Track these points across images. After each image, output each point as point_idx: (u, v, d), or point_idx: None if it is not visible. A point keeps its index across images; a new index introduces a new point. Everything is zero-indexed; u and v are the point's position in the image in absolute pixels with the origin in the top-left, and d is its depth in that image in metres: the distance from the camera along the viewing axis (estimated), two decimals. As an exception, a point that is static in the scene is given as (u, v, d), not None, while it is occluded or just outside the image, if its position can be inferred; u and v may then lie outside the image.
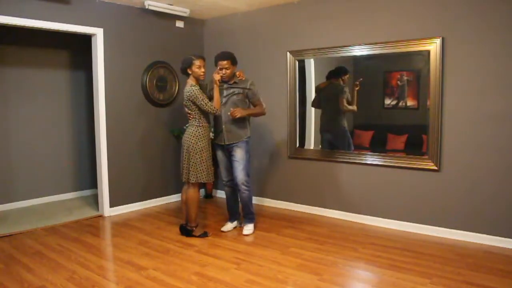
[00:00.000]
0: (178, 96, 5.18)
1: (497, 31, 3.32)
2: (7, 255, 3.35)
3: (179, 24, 5.17)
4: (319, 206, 4.52)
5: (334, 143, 4.43)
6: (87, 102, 5.38)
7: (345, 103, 4.21)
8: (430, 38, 3.60)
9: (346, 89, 4.23)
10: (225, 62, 3.62)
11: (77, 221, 4.34)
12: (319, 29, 4.35)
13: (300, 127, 4.62)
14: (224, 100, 3.72)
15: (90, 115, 4.88)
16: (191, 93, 3.54)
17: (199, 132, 3.63)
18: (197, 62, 3.59)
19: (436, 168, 3.69)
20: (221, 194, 5.42)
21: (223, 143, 3.78)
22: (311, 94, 4.51)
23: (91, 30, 4.30)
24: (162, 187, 5.11)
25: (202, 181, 3.65)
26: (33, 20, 3.87)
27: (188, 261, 3.23)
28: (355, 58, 4.20)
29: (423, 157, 3.77)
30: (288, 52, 4.57)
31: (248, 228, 3.88)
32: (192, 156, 3.59)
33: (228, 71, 3.64)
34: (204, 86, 3.82)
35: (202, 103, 3.54)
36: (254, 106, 3.84)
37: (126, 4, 4.56)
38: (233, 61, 3.68)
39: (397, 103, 3.96)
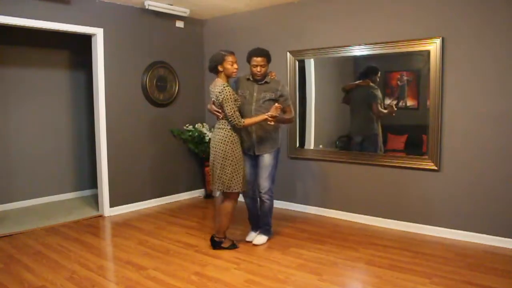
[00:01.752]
0: (178, 96, 5.18)
1: (497, 31, 3.32)
2: (7, 255, 3.35)
3: (179, 24, 5.17)
4: (319, 206, 4.52)
5: (364, 146, 4.22)
6: (87, 102, 5.37)
7: (379, 108, 3.97)
8: (430, 38, 3.60)
9: (378, 93, 4.00)
10: (260, 59, 3.30)
11: (77, 221, 4.34)
12: (319, 29, 4.35)
13: (300, 127, 4.62)
14: (254, 106, 3.37)
15: (90, 115, 4.88)
16: (224, 94, 3.16)
17: (233, 137, 3.26)
18: (230, 58, 3.23)
19: (436, 168, 3.68)
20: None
21: (252, 154, 3.46)
22: (311, 94, 4.51)
23: (91, 30, 4.30)
24: (162, 187, 5.11)
25: (239, 191, 3.32)
26: (33, 20, 3.87)
27: (188, 261, 3.22)
28: (355, 58, 4.19)
29: (423, 157, 3.76)
30: (288, 52, 4.57)
31: (261, 239, 3.57)
32: (229, 165, 3.24)
33: (263, 69, 3.33)
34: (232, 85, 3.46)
35: (230, 109, 3.16)
36: (284, 112, 3.41)
37: (126, 4, 4.56)
38: (269, 58, 3.36)
39: (397, 103, 3.96)
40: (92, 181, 5.43)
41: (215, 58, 3.27)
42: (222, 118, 3.27)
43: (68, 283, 2.83)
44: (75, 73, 5.36)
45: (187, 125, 5.23)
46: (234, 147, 3.26)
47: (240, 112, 3.28)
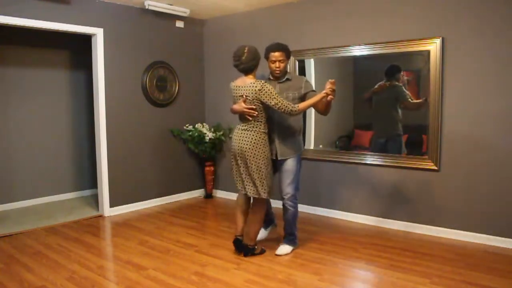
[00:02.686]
0: (178, 96, 5.18)
1: (497, 31, 3.32)
2: (7, 255, 3.35)
3: (179, 24, 5.17)
4: (320, 206, 4.52)
5: (387, 148, 4.10)
6: (87, 102, 5.37)
7: (413, 101, 3.82)
8: (430, 38, 3.60)
9: (404, 89, 3.87)
10: (278, 53, 3.14)
11: (77, 221, 4.34)
12: (319, 29, 4.35)
13: (300, 127, 4.62)
14: None
15: (90, 115, 4.88)
16: (266, 88, 2.98)
17: (265, 140, 3.11)
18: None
19: (436, 168, 3.68)
20: (221, 194, 5.42)
21: (274, 158, 3.24)
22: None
23: (91, 30, 4.30)
24: (162, 187, 5.11)
25: (271, 197, 3.23)
26: (33, 20, 3.87)
27: (188, 261, 3.23)
28: (355, 58, 4.19)
29: (423, 157, 3.76)
30: (288, 52, 4.57)
31: (284, 249, 3.34)
32: (264, 168, 3.10)
33: (281, 65, 3.16)
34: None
35: (279, 100, 2.97)
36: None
37: (126, 4, 4.56)
38: (287, 53, 3.19)
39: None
40: (92, 181, 5.44)
41: (258, 55, 3.11)
42: (256, 116, 3.07)
43: (68, 283, 2.83)
44: (75, 73, 5.36)
45: (187, 125, 5.24)
46: (267, 149, 3.13)
47: (266, 114, 3.12)
